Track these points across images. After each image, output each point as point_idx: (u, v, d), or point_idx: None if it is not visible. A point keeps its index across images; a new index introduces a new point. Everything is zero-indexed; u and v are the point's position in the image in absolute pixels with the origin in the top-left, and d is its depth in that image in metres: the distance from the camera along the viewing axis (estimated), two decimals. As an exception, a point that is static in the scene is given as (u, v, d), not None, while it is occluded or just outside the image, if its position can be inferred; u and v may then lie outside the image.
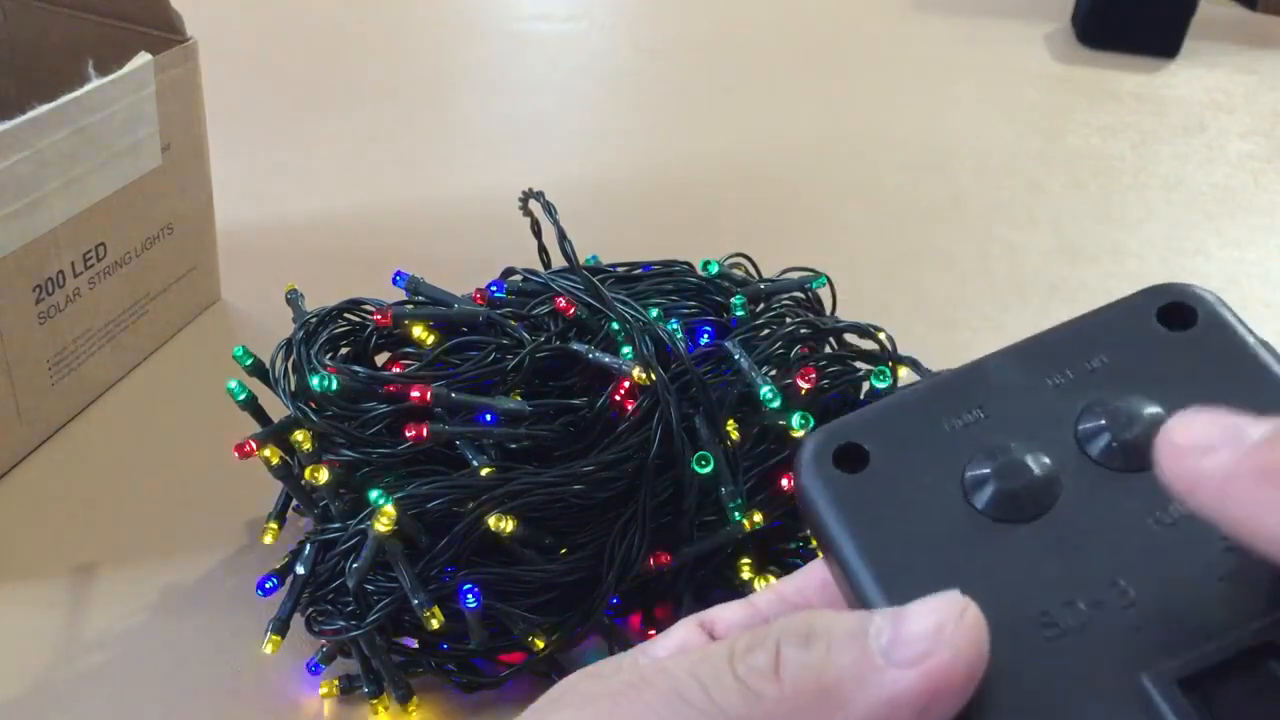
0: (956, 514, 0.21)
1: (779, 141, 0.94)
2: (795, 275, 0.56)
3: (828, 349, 0.52)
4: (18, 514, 0.53)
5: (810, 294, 0.56)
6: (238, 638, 0.47)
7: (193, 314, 0.67)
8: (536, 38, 1.12)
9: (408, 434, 0.42)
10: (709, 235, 0.77)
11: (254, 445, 0.44)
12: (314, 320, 0.48)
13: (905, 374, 0.50)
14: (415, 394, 0.43)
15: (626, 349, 0.46)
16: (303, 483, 0.45)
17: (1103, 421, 0.21)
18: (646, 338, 0.46)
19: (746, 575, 0.45)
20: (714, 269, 0.55)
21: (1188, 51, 1.15)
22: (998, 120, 1.00)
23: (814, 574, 0.25)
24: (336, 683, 0.45)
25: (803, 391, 0.46)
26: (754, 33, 1.17)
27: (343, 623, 0.44)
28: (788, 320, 0.51)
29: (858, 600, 0.20)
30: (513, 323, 0.48)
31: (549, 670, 0.45)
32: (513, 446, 0.45)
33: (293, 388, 0.46)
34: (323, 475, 0.42)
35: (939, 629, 0.18)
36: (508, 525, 0.41)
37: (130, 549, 0.52)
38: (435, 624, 0.41)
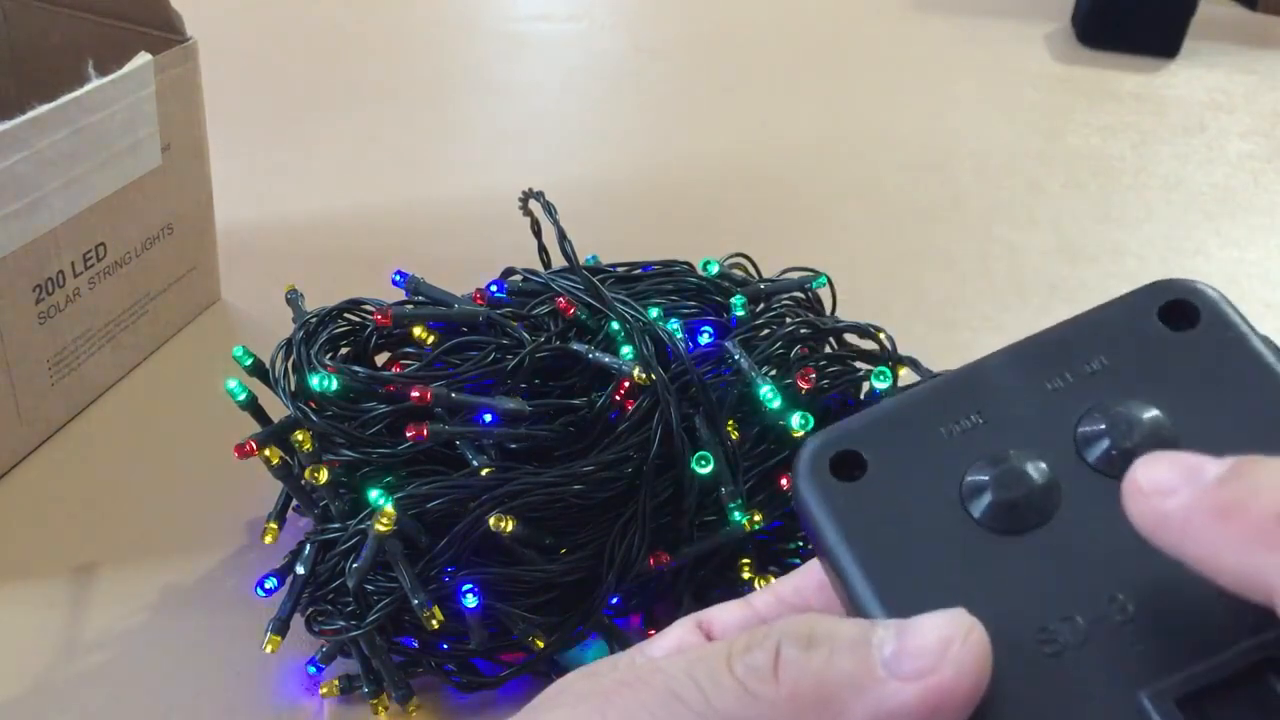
0: (954, 524, 0.20)
1: (779, 141, 0.94)
2: (795, 275, 0.56)
3: (828, 349, 0.52)
4: (18, 514, 0.53)
5: (810, 294, 0.56)
6: (238, 638, 0.47)
7: (193, 314, 0.67)
8: (536, 38, 1.12)
9: (408, 434, 0.42)
10: (709, 235, 0.77)
11: (254, 445, 0.44)
12: (314, 320, 0.48)
13: (905, 374, 0.50)
14: (415, 394, 0.43)
15: (626, 349, 0.46)
16: (303, 483, 0.45)
17: (1102, 427, 0.20)
18: (646, 338, 0.46)
19: (746, 575, 0.45)
20: (714, 269, 0.55)
21: (1188, 51, 1.15)
22: (998, 120, 1.00)
23: (812, 575, 0.25)
24: (336, 683, 0.45)
25: (803, 391, 0.46)
26: (754, 33, 1.17)
27: (343, 623, 0.44)
28: (788, 320, 0.51)
29: (855, 610, 0.20)
30: (513, 323, 0.48)
31: (549, 670, 0.45)
32: (513, 446, 0.45)
33: (293, 388, 0.46)
34: (323, 475, 0.42)
35: (944, 646, 0.18)
36: (508, 525, 0.41)
37: (130, 549, 0.52)
38: (435, 624, 0.41)
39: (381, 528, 0.40)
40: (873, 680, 0.18)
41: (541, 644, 0.43)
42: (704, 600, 0.47)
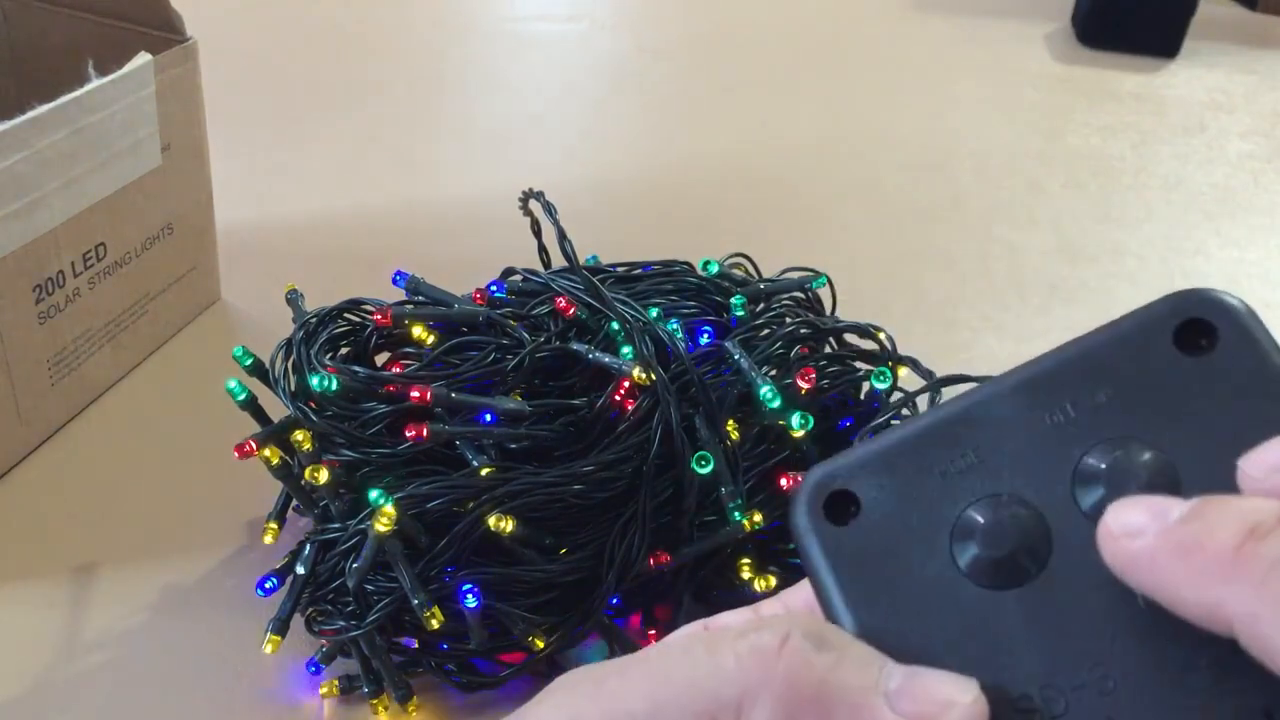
0: (944, 574, 0.20)
1: (779, 141, 0.94)
2: (795, 275, 0.56)
3: (828, 349, 0.52)
4: (18, 514, 0.53)
5: (810, 294, 0.56)
6: (238, 638, 0.47)
7: (193, 314, 0.67)
8: (536, 38, 1.12)
9: (408, 434, 0.42)
10: (709, 235, 0.77)
11: (254, 445, 0.44)
12: (314, 320, 0.48)
13: (905, 374, 0.50)
14: (415, 394, 0.43)
15: (626, 349, 0.46)
16: (303, 483, 0.45)
17: (1101, 468, 0.20)
18: (646, 338, 0.46)
19: (746, 575, 0.45)
20: (714, 269, 0.55)
21: (1188, 51, 1.15)
22: (998, 120, 1.00)
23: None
24: (336, 683, 0.45)
25: (803, 391, 0.46)
26: (754, 33, 1.17)
27: (343, 623, 0.44)
28: (788, 320, 0.51)
29: None
30: (513, 323, 0.48)
31: (549, 670, 0.45)
32: (513, 446, 0.45)
33: (293, 388, 0.46)
34: (323, 475, 0.42)
35: (948, 703, 0.19)
36: (508, 525, 0.41)
37: (130, 549, 0.52)
38: (435, 624, 0.41)
39: (381, 528, 0.40)
40: (871, 705, 0.19)
41: (541, 644, 0.43)
42: (704, 600, 0.47)
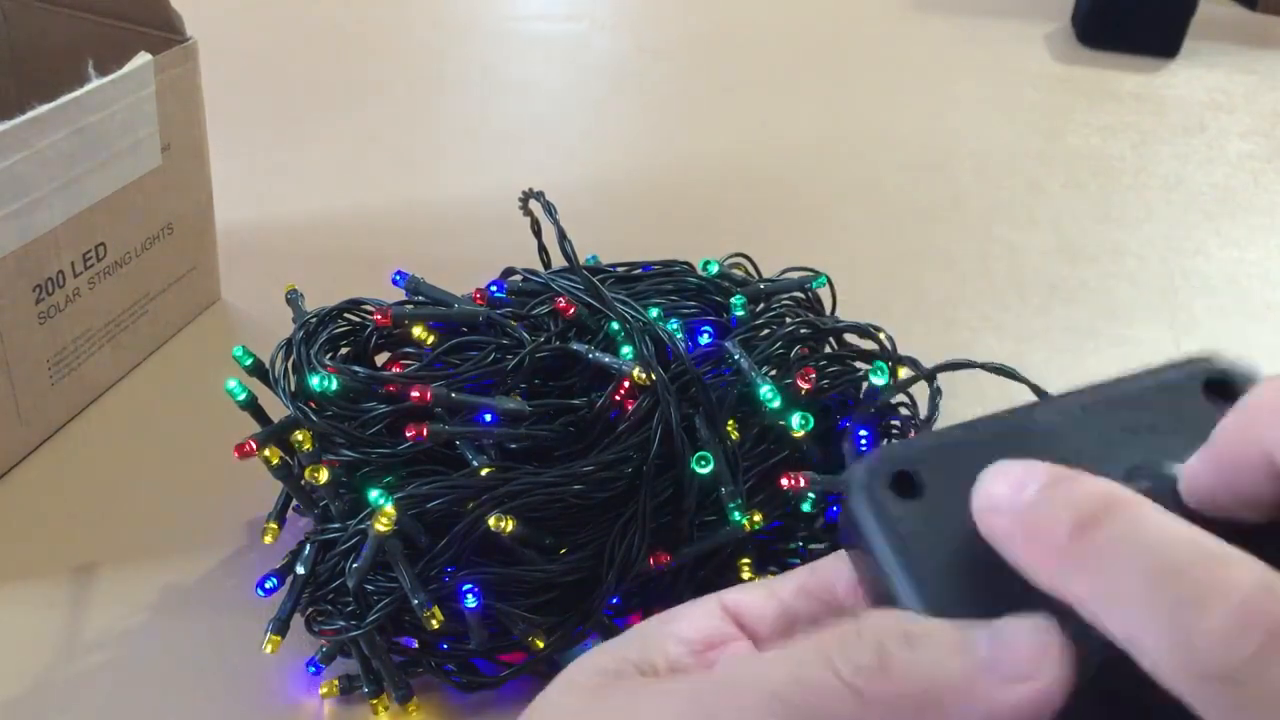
0: (1001, 562, 0.20)
1: (779, 141, 0.94)
2: (795, 275, 0.56)
3: (828, 349, 0.52)
4: (18, 514, 0.53)
5: (810, 294, 0.56)
6: (238, 638, 0.47)
7: (193, 314, 0.67)
8: (536, 38, 1.12)
9: (408, 434, 0.42)
10: (709, 235, 0.77)
11: (254, 445, 0.44)
12: (314, 320, 0.48)
13: (904, 373, 0.50)
14: (415, 394, 0.43)
15: (626, 349, 0.46)
16: (303, 483, 0.45)
17: (1147, 485, 0.20)
18: (646, 338, 0.46)
19: (746, 575, 0.45)
20: (714, 269, 0.55)
21: (1188, 51, 1.15)
22: (998, 120, 1.00)
23: (835, 570, 0.25)
24: (336, 683, 0.45)
25: (803, 391, 0.46)
26: (754, 33, 1.17)
27: (343, 623, 0.44)
28: (788, 320, 0.51)
29: None
30: (513, 323, 0.48)
31: (549, 670, 0.45)
32: (513, 446, 0.45)
33: (292, 388, 0.46)
34: (323, 475, 0.42)
35: (1041, 650, 0.18)
36: (508, 525, 0.41)
37: (130, 549, 0.52)
38: (435, 624, 0.41)
39: (381, 528, 0.40)
40: (978, 682, 0.18)
41: (541, 644, 0.43)
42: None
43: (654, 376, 0.44)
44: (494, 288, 0.51)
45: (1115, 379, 0.23)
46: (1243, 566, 0.17)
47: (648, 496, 0.43)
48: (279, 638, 0.45)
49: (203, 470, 0.56)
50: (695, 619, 0.24)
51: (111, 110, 0.54)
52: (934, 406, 0.51)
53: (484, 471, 0.43)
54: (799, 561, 0.47)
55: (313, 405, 0.45)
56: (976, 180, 0.89)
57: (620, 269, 0.55)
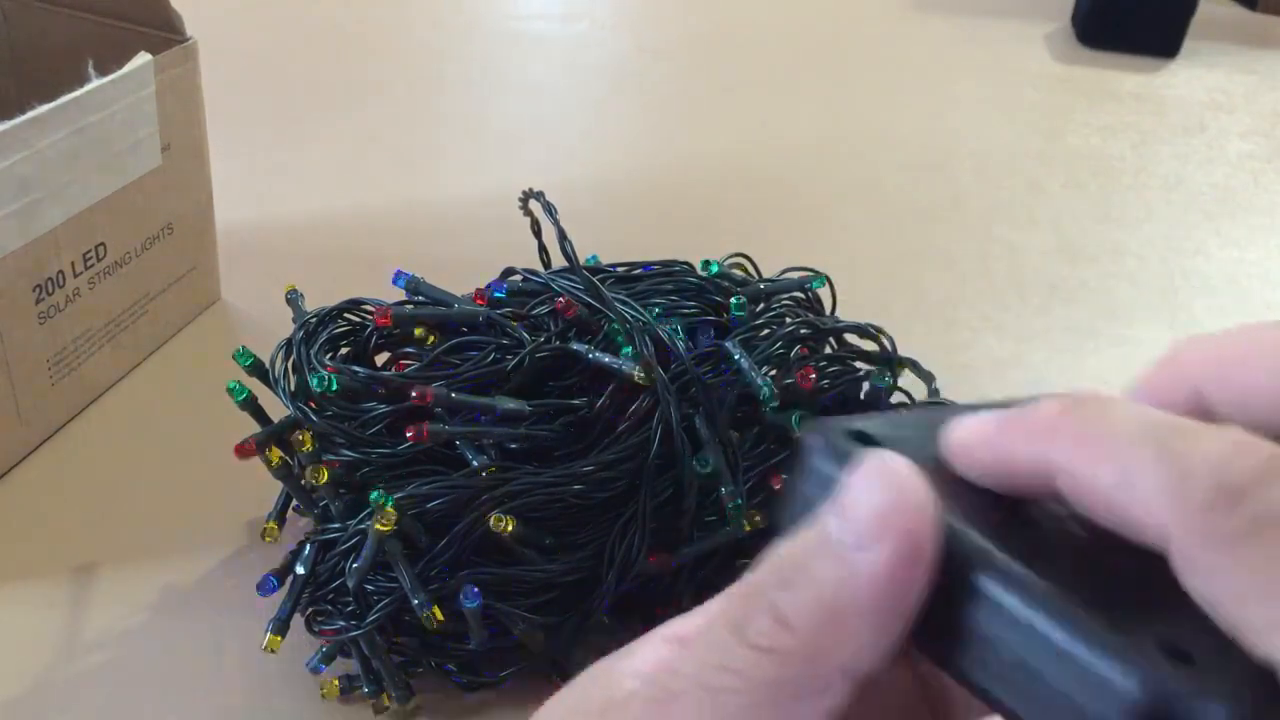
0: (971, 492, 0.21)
1: (779, 141, 0.94)
2: (795, 275, 0.56)
3: (828, 349, 0.52)
4: (18, 514, 0.53)
5: (810, 294, 0.56)
6: (238, 638, 0.47)
7: (193, 314, 0.67)
8: (536, 38, 1.12)
9: (408, 434, 0.42)
10: (709, 235, 0.77)
11: (254, 445, 0.44)
12: (314, 320, 0.48)
13: (905, 375, 0.50)
14: (415, 394, 0.43)
15: (627, 349, 0.46)
16: (303, 483, 0.45)
17: None
18: (646, 338, 0.46)
19: (746, 575, 0.45)
20: (714, 269, 0.55)
21: (1188, 51, 1.15)
22: (998, 120, 1.00)
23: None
24: (336, 683, 0.45)
25: (803, 392, 0.46)
26: (754, 33, 1.17)
27: (343, 623, 0.44)
28: (788, 320, 0.51)
29: None
30: (513, 323, 0.48)
31: (550, 670, 0.45)
32: (513, 446, 0.45)
33: (293, 388, 0.46)
34: (323, 475, 0.42)
35: (884, 509, 0.18)
36: (508, 525, 0.41)
37: (130, 549, 0.52)
38: (435, 624, 0.41)
39: (382, 528, 0.40)
40: (844, 566, 0.18)
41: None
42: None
43: (654, 377, 0.44)
44: (494, 288, 0.51)
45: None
46: (1226, 428, 0.17)
47: (648, 496, 0.43)
48: (279, 637, 0.45)
49: (203, 470, 0.56)
50: (644, 653, 0.24)
51: (111, 110, 0.54)
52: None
53: (484, 472, 0.43)
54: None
55: (313, 405, 0.45)
56: (976, 180, 0.89)
57: (620, 269, 0.55)
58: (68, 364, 0.57)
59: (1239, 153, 0.97)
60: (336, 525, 0.44)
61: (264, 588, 0.46)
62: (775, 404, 0.45)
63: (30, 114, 0.50)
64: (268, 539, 0.48)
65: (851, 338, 0.53)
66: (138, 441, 0.58)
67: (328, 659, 0.46)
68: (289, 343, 0.47)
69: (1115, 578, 0.18)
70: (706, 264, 0.55)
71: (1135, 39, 1.14)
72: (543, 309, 0.49)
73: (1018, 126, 0.99)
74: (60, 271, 0.55)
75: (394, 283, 0.51)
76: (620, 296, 0.49)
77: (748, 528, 0.44)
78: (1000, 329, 0.71)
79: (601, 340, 0.48)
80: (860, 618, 0.18)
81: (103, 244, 0.57)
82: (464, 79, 1.02)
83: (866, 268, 0.76)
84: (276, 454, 0.44)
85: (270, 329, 0.54)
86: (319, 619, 0.45)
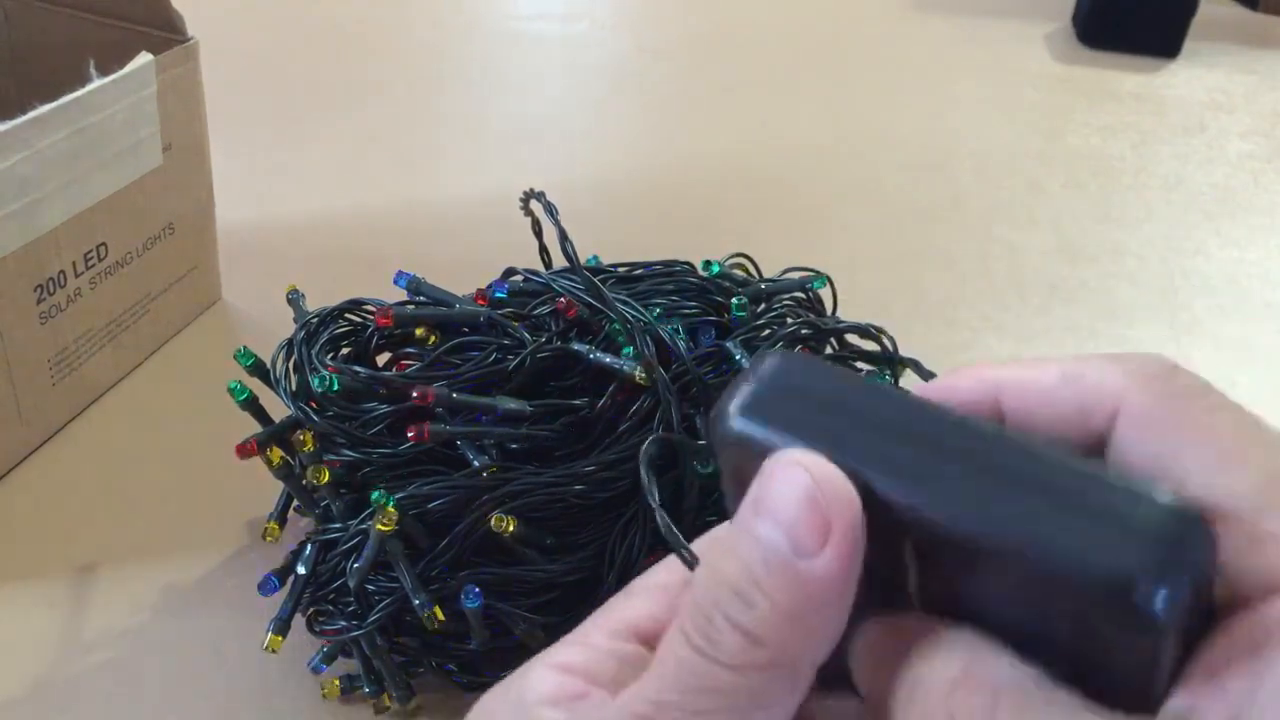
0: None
1: (779, 141, 0.94)
2: (796, 275, 0.56)
3: (828, 349, 0.52)
4: (18, 514, 0.54)
5: (811, 294, 0.56)
6: (238, 638, 0.47)
7: (193, 314, 0.67)
8: (536, 38, 1.12)
9: (409, 434, 0.42)
10: (709, 235, 0.77)
11: (255, 445, 0.44)
12: (315, 320, 0.48)
13: (906, 374, 0.50)
14: (416, 394, 0.43)
15: (628, 349, 0.46)
16: (304, 483, 0.45)
17: None
18: (647, 338, 0.46)
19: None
20: (715, 269, 0.55)
21: (1188, 51, 1.15)
22: (998, 120, 1.00)
23: (624, 607, 0.25)
24: (337, 682, 0.45)
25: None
26: (754, 33, 1.17)
27: (344, 623, 0.44)
28: (789, 320, 0.51)
29: None
30: (514, 323, 0.48)
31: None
32: (513, 446, 0.45)
33: (294, 388, 0.46)
34: (324, 475, 0.42)
35: (812, 511, 0.19)
36: (509, 525, 0.41)
37: (130, 549, 0.52)
38: (436, 625, 0.41)
39: (383, 528, 0.40)
40: (796, 576, 0.19)
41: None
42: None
43: (655, 377, 0.44)
44: (495, 288, 0.51)
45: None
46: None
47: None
48: (280, 637, 0.45)
49: (203, 470, 0.56)
50: (544, 685, 0.24)
51: (112, 110, 0.54)
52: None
53: (485, 472, 0.43)
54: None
55: (314, 405, 0.45)
56: (976, 180, 0.89)
57: (621, 269, 0.55)
58: (69, 364, 0.57)
59: (1239, 153, 0.97)
60: (337, 525, 0.44)
61: (265, 588, 0.46)
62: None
63: (31, 114, 0.50)
64: (269, 539, 0.48)
65: (852, 338, 0.53)
66: (138, 441, 0.58)
67: (329, 659, 0.46)
68: (290, 343, 0.47)
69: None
70: (707, 264, 0.55)
71: (1136, 39, 1.14)
72: (544, 309, 0.49)
73: (1018, 126, 0.99)
74: (61, 271, 0.55)
75: (395, 283, 0.51)
76: (621, 297, 0.49)
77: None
78: (1000, 329, 0.71)
79: (602, 340, 0.48)
80: (820, 613, 0.19)
81: (104, 244, 0.57)
82: (464, 79, 1.02)
83: (867, 268, 0.76)
84: (277, 454, 0.44)
85: (271, 329, 0.54)
86: (320, 619, 0.45)
